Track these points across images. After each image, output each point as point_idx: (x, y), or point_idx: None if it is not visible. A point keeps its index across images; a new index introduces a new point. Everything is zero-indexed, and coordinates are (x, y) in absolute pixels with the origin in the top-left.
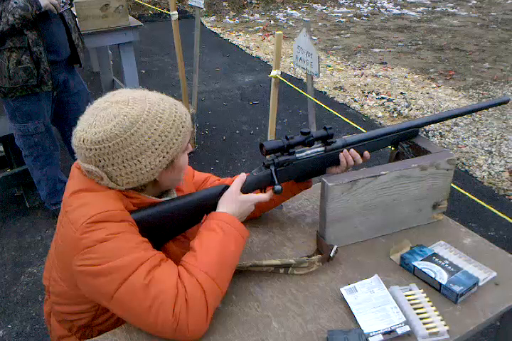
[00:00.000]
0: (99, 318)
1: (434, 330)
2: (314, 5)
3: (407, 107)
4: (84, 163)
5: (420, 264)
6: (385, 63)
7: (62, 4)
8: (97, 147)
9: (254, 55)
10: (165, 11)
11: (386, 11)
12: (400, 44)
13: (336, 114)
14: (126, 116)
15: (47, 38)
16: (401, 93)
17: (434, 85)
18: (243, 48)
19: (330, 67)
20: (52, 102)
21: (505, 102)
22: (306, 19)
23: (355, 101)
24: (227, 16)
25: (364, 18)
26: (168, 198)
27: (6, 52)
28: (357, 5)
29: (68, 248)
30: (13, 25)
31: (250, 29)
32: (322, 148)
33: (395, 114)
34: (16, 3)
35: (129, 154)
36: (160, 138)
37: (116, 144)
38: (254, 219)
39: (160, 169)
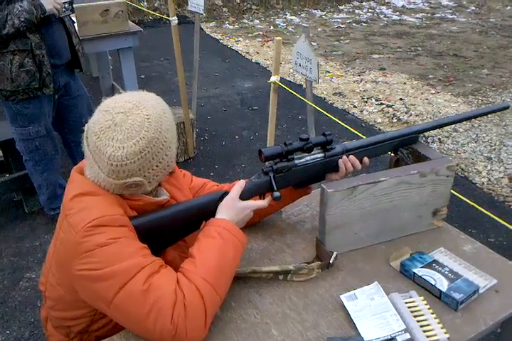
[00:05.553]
0: (96, 324)
1: (434, 338)
2: (314, 11)
3: (406, 113)
4: (126, 178)
5: (420, 271)
6: (384, 69)
7: (64, 9)
8: (140, 156)
9: (253, 60)
10: (165, 16)
11: (385, 17)
12: (399, 50)
13: (335, 119)
14: (149, 118)
15: (49, 41)
16: (400, 99)
17: (433, 91)
18: (243, 54)
19: (329, 72)
20: (53, 106)
21: (505, 108)
22: (305, 25)
23: (354, 107)
24: (226, 22)
25: (363, 24)
26: (164, 197)
27: (9, 55)
28: (356, 11)
29: (68, 251)
30: (18, 28)
31: (250, 35)
32: (321, 154)
33: (394, 120)
34: (21, 6)
35: (161, 152)
36: (172, 128)
37: (153, 147)
38: (253, 225)
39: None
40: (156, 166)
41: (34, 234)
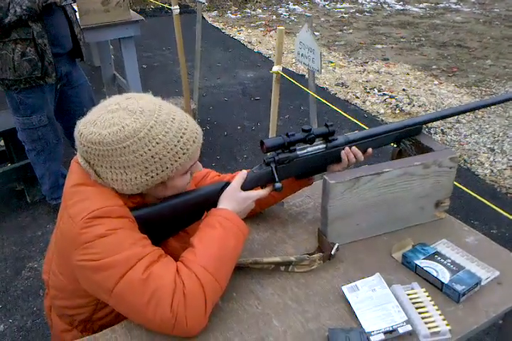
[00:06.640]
0: (99, 313)
1: (436, 330)
2: (317, 0)
3: (409, 104)
4: (79, 154)
5: (422, 263)
6: (388, 59)
7: None
8: (89, 146)
9: (256, 50)
10: (166, 5)
11: (389, 6)
12: (402, 40)
13: (338, 110)
14: (124, 128)
15: (51, 30)
16: (403, 89)
17: (436, 82)
18: (245, 43)
19: (332, 63)
20: (55, 95)
21: (509, 99)
22: (308, 14)
23: (357, 97)
24: (229, 11)
25: (366, 13)
26: None
27: (11, 44)
28: (359, 0)
29: (68, 242)
30: (21, 16)
31: (252, 24)
32: (323, 146)
33: (397, 111)
34: None
35: (116, 163)
36: (152, 159)
37: (107, 151)
38: (255, 216)
39: (146, 186)
40: (107, 171)
41: (36, 224)
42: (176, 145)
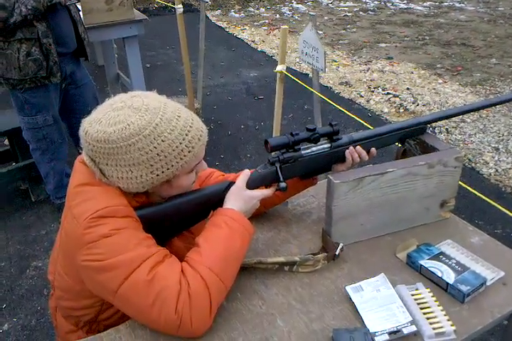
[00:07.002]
0: (104, 313)
1: (440, 330)
2: None
3: (413, 103)
4: (85, 153)
5: (427, 263)
6: (392, 58)
7: None
8: (95, 144)
9: (259, 49)
10: (170, 4)
11: (393, 5)
12: (406, 39)
13: (342, 109)
14: (130, 125)
15: (55, 30)
16: (407, 88)
17: (440, 81)
18: (248, 42)
19: (336, 61)
20: (60, 94)
21: None
22: (311, 13)
23: (361, 96)
24: (232, 10)
25: (370, 12)
26: None
27: (16, 44)
28: None
29: (72, 242)
30: (26, 16)
31: (256, 23)
32: (328, 145)
33: (401, 110)
34: None
35: (122, 161)
36: (158, 156)
37: (112, 149)
38: (259, 215)
39: (152, 184)
40: (113, 170)
41: (41, 223)
42: (181, 143)
